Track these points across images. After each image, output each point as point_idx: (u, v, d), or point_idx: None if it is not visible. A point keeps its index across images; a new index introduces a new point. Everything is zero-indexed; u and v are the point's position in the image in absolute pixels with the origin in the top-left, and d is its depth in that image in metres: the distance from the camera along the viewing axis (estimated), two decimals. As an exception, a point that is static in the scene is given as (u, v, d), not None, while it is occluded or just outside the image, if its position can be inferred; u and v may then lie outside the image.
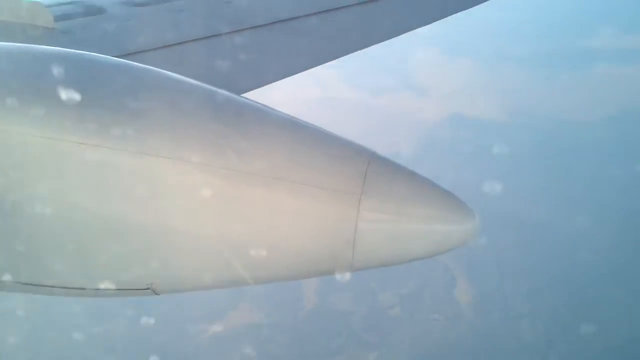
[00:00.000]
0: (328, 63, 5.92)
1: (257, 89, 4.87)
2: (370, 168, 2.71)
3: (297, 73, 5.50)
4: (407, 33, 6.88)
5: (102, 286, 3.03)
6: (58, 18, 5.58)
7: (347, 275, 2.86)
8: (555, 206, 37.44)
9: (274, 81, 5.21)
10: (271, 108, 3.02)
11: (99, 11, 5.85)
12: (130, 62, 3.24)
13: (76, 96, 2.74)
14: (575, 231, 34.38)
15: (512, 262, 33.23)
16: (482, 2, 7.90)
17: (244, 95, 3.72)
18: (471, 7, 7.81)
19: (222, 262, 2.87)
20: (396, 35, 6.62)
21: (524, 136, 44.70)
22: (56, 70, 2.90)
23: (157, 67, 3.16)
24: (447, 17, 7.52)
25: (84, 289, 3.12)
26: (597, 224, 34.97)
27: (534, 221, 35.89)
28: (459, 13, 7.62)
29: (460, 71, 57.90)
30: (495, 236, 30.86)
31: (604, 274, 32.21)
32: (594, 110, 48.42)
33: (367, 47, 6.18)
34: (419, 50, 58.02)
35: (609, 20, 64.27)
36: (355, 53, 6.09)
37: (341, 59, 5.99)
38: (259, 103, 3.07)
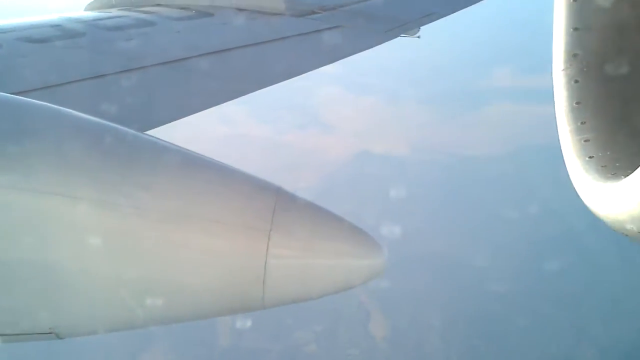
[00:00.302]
0: (235, 100, 5.90)
1: (160, 127, 4.78)
2: (278, 204, 2.71)
3: (201, 110, 5.44)
4: (312, 71, 6.98)
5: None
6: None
7: (261, 312, 2.81)
8: (462, 240, 38.49)
9: (178, 118, 5.13)
10: (175, 145, 2.97)
11: None
12: (27, 98, 3.12)
13: None
14: (483, 266, 35.40)
15: (425, 296, 33.84)
16: (384, 42, 8.12)
17: (147, 132, 3.63)
18: (374, 46, 8.02)
19: (128, 303, 2.77)
20: (300, 74, 6.69)
21: (428, 172, 45.88)
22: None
23: (58, 104, 3.05)
24: (351, 55, 7.68)
25: None
26: (503, 256, 36.21)
27: (442, 254, 36.76)
28: (363, 52, 7.82)
29: (366, 109, 59.10)
30: (406, 270, 31.42)
31: (514, 308, 33.28)
32: (496, 146, 50.47)
33: (271, 85, 6.21)
34: (323, 88, 59.19)
35: (507, 60, 67.55)
36: (261, 91, 6.11)
37: (248, 96, 5.99)
38: (162, 140, 3.01)
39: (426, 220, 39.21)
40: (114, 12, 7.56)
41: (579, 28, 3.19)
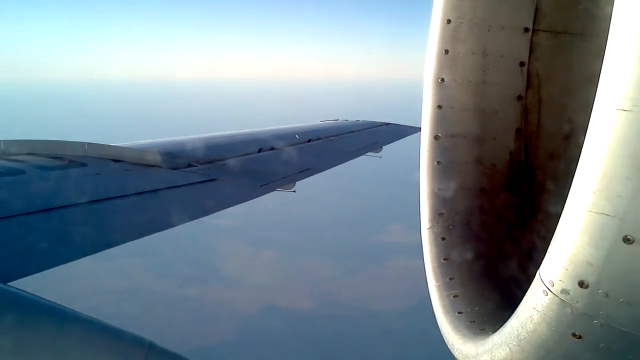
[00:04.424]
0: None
1: (26, 277, 4.51)
2: None
3: (70, 261, 5.18)
4: (190, 223, 6.92)
5: None
6: None
7: None
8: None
9: (48, 269, 4.86)
10: (40, 298, 2.80)
11: None
12: None
13: None
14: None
15: None
16: (260, 196, 8.27)
17: (10, 284, 3.42)
18: (249, 199, 8.13)
19: None
20: (175, 225, 6.59)
21: (335, 326, 45.53)
22: None
23: None
24: (226, 208, 7.73)
25: None
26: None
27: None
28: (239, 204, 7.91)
29: (261, 262, 58.71)
30: None
31: None
32: (398, 301, 51.37)
33: (146, 236, 6.07)
34: (207, 240, 58.99)
35: (386, 216, 70.12)
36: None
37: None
38: (26, 292, 2.84)
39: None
40: None
41: (443, 188, 3.39)
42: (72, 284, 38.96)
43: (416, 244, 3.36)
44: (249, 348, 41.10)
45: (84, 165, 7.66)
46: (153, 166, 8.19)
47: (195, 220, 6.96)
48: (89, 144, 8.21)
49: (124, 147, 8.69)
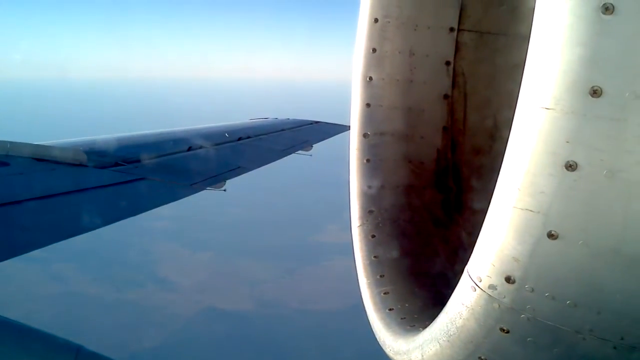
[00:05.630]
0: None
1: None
2: None
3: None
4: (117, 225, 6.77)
5: None
6: None
7: None
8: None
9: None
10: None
11: None
12: None
13: None
14: None
15: None
16: (189, 195, 8.16)
17: None
18: (179, 199, 8.01)
19: None
20: (102, 226, 6.44)
21: (275, 327, 45.27)
22: None
23: None
24: (155, 208, 7.59)
25: None
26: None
27: None
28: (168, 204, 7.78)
29: (196, 263, 57.66)
30: None
31: None
32: (338, 300, 51.51)
33: (70, 237, 5.90)
34: (136, 238, 57.71)
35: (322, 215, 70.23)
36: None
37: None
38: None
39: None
40: None
41: (372, 186, 3.40)
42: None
43: (349, 242, 3.37)
44: (186, 350, 40.53)
45: (6, 164, 7.40)
46: (79, 165, 7.97)
47: (124, 221, 6.82)
48: (11, 142, 7.93)
49: (49, 146, 8.44)
